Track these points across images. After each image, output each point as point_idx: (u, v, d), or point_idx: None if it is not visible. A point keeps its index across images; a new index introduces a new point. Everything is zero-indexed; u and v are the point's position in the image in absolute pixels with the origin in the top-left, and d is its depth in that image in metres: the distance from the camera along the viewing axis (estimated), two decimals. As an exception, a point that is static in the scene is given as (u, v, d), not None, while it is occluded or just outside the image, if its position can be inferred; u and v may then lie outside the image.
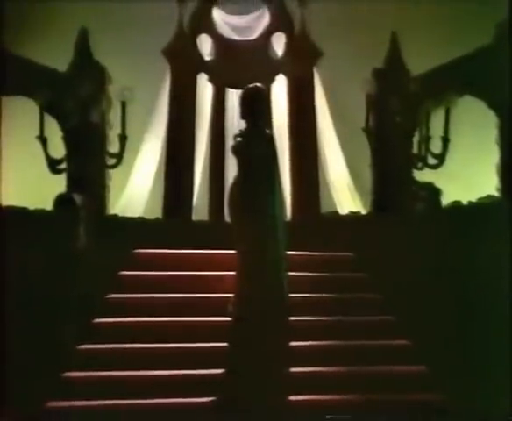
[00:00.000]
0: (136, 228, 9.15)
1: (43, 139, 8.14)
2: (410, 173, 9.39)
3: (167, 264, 8.16)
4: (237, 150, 7.05)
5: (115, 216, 9.60)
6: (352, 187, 11.18)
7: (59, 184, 9.08)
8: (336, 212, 10.63)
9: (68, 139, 8.38)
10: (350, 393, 6.82)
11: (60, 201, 7.80)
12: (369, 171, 10.47)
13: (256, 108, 7.08)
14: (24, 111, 9.63)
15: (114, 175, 10.15)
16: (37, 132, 9.03)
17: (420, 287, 8.16)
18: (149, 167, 11.16)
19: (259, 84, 7.35)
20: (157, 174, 11.14)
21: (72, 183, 8.40)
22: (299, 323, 7.26)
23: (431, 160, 9.56)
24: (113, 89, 8.82)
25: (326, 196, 11.02)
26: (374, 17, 10.88)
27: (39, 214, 8.61)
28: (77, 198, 7.63)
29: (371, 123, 10.07)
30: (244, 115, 7.16)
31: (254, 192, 6.84)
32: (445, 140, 9.34)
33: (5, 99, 9.03)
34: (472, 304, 8.12)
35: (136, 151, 11.12)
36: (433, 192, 8.23)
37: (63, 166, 8.03)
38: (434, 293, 8.19)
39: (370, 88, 8.28)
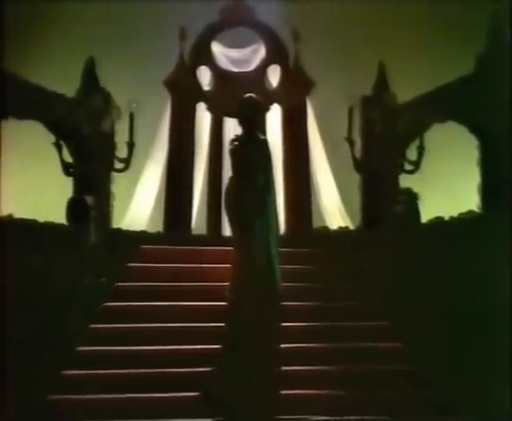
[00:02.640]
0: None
1: (58, 146, 8.78)
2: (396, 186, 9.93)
3: (169, 258, 8.90)
4: (233, 153, 7.76)
5: (119, 229, 10.18)
6: (343, 211, 11.80)
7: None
8: (326, 227, 11.26)
9: (76, 150, 8.96)
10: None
11: (73, 202, 8.48)
12: (359, 195, 11.10)
13: (250, 116, 7.77)
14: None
15: (117, 198, 10.74)
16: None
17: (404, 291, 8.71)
18: (150, 190, 11.77)
19: (253, 95, 8.04)
20: (157, 199, 11.76)
21: (81, 187, 9.02)
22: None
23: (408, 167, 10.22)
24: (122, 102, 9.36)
25: (318, 219, 11.65)
26: (363, 48, 11.55)
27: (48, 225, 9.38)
28: (88, 199, 8.29)
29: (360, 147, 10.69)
30: (240, 122, 7.86)
31: (248, 190, 7.50)
32: (420, 149, 9.91)
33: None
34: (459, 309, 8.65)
35: (137, 176, 11.77)
36: (411, 196, 8.88)
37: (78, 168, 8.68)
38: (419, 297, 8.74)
39: (353, 101, 8.89)
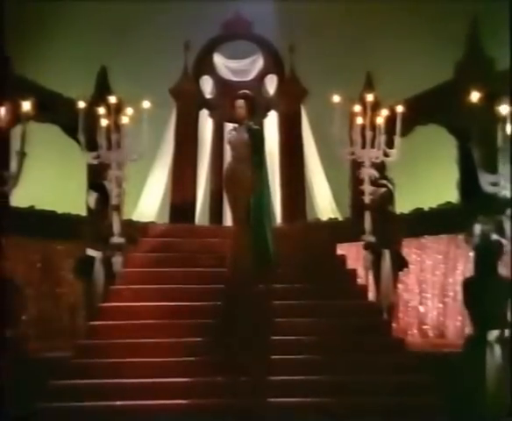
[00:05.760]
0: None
1: (82, 139, 9.80)
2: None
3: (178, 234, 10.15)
4: (230, 141, 8.90)
5: (130, 220, 11.18)
6: (335, 208, 12.81)
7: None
8: (318, 219, 12.30)
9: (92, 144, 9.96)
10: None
11: (94, 186, 9.67)
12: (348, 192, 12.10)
13: (243, 106, 8.83)
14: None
15: (127, 196, 11.70)
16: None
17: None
18: (157, 189, 12.79)
19: (247, 91, 9.12)
20: (164, 197, 12.78)
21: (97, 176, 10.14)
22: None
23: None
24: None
25: (312, 214, 12.67)
26: (352, 58, 12.53)
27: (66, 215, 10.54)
28: (107, 184, 9.42)
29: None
30: (236, 112, 8.94)
31: (244, 171, 8.59)
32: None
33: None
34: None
35: (146, 176, 12.80)
36: (388, 181, 9.99)
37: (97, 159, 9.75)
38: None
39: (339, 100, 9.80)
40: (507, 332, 7.08)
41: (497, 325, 7.16)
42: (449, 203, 10.93)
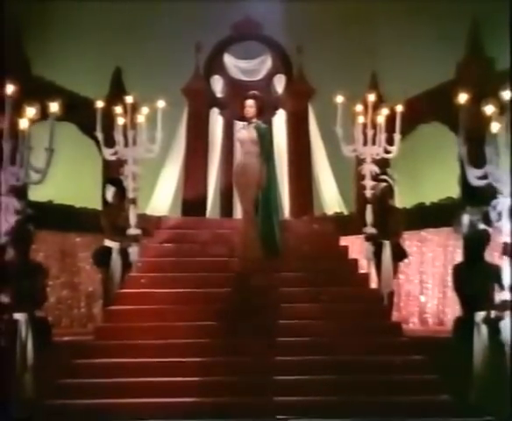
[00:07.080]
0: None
1: (100, 136, 10.31)
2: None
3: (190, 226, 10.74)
4: (239, 138, 9.43)
5: (144, 214, 11.68)
6: (341, 203, 13.26)
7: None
8: (325, 214, 12.78)
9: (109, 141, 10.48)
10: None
11: (112, 181, 10.40)
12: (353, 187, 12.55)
13: (252, 105, 9.36)
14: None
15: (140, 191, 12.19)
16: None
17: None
18: (170, 184, 13.27)
19: (256, 91, 9.62)
20: (176, 192, 13.26)
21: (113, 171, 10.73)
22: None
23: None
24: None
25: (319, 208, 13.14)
26: (358, 56, 12.96)
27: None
28: (123, 179, 10.01)
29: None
30: (245, 111, 9.45)
31: (253, 167, 9.11)
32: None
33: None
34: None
35: (158, 173, 13.29)
36: (389, 176, 10.45)
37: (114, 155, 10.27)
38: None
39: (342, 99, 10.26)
40: (493, 314, 7.60)
41: (484, 307, 7.69)
42: (449, 197, 11.38)
